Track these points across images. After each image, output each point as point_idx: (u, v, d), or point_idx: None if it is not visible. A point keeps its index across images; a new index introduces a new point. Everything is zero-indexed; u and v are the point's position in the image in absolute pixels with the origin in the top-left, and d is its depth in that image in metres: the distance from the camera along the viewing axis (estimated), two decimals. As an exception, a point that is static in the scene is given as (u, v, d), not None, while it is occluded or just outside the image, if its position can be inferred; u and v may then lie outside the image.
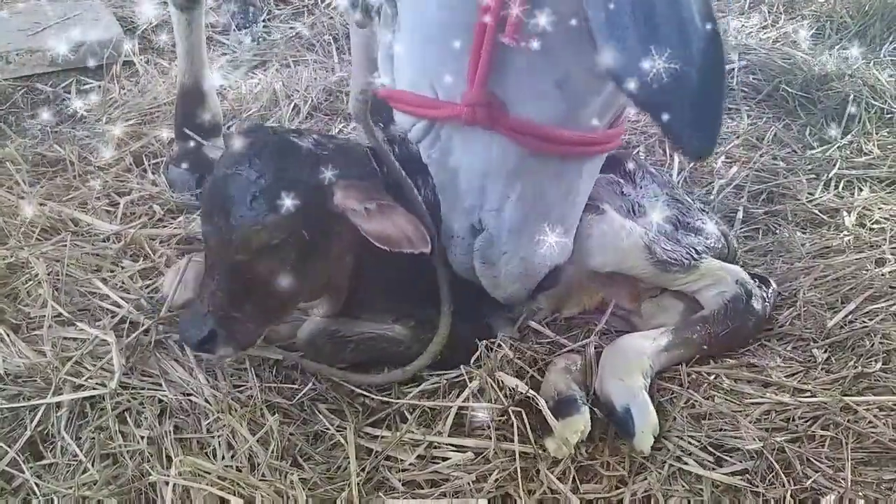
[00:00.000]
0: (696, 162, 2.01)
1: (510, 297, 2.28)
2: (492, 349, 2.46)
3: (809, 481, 2.16)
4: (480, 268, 2.20)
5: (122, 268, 2.82)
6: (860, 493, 2.14)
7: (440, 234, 2.37)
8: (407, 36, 2.05)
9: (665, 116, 1.72)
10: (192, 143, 3.36)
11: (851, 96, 3.89)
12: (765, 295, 2.67)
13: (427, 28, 2.00)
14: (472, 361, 2.45)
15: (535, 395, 2.29)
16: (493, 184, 2.11)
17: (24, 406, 2.31)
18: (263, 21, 4.89)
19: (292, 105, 3.97)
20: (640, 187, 2.75)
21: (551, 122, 1.98)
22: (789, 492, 2.12)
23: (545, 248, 2.18)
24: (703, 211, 2.88)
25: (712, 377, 2.49)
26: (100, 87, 4.10)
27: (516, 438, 2.23)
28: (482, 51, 1.88)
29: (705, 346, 2.53)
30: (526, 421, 2.26)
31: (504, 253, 2.17)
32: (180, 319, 2.27)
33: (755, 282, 2.67)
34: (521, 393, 2.30)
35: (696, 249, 2.63)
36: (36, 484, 2.15)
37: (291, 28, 4.81)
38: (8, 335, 2.49)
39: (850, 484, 2.15)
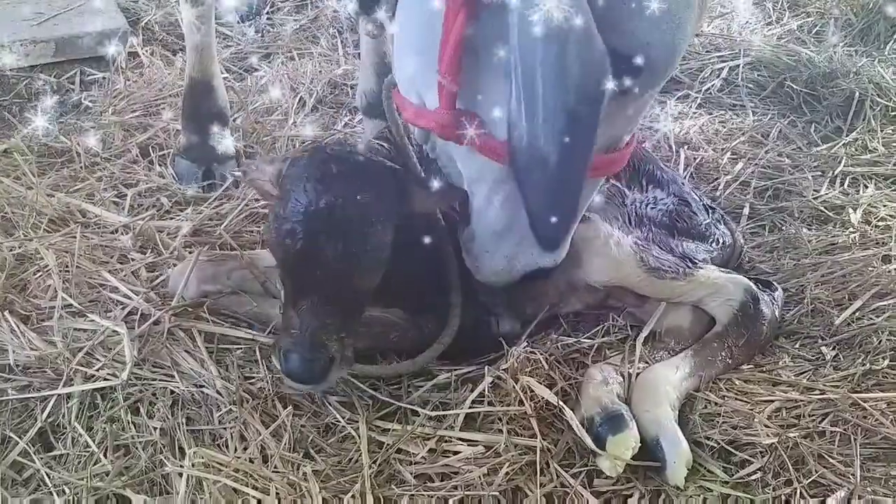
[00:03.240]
0: (543, 248, 2.05)
1: (492, 283, 2.33)
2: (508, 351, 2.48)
3: (816, 475, 2.19)
4: (465, 254, 2.27)
5: (133, 260, 2.82)
6: (869, 489, 2.16)
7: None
8: (399, 46, 2.11)
9: (525, 193, 1.79)
10: (198, 136, 3.37)
11: (857, 94, 3.90)
12: (772, 297, 2.67)
13: (411, 41, 2.05)
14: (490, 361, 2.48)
15: (563, 405, 2.30)
16: (478, 188, 2.13)
17: (34, 397, 2.31)
18: (267, 13, 4.88)
19: (298, 98, 3.96)
20: (646, 191, 2.75)
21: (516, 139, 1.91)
22: (800, 488, 2.13)
23: (531, 250, 2.17)
24: (711, 208, 2.88)
25: (723, 379, 2.50)
26: (104, 78, 4.09)
27: (539, 437, 2.24)
28: (447, 74, 1.89)
29: (729, 360, 2.52)
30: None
31: (486, 252, 2.20)
32: (285, 359, 2.16)
33: (759, 286, 2.66)
34: (553, 405, 2.31)
35: (691, 258, 2.62)
36: (47, 474, 2.15)
37: (296, 20, 4.80)
38: (17, 326, 2.49)
39: (859, 480, 2.17)
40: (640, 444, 2.22)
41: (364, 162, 2.24)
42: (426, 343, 2.54)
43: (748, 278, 2.68)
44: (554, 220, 1.84)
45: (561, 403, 2.30)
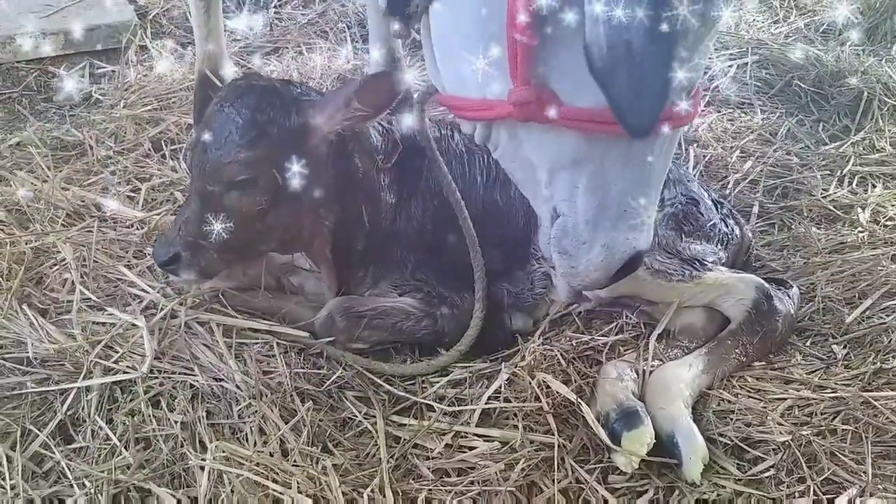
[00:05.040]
0: (634, 137, 1.94)
1: (589, 285, 2.20)
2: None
3: (828, 472, 2.21)
4: (557, 258, 2.12)
5: (148, 254, 2.83)
6: (880, 486, 2.18)
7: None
8: (444, 46, 2.03)
9: (608, 83, 1.67)
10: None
11: (865, 93, 3.92)
12: (787, 294, 2.68)
13: (465, 31, 1.97)
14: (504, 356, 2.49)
15: (580, 402, 2.32)
16: (559, 174, 2.03)
17: (53, 390, 2.33)
18: (275, 7, 4.88)
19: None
20: None
21: (598, 104, 1.83)
22: (813, 486, 2.15)
23: (627, 234, 2.07)
24: (719, 202, 2.88)
25: (736, 377, 2.53)
26: (114, 71, 4.10)
27: (556, 434, 2.27)
28: (517, 49, 1.84)
29: (743, 358, 2.54)
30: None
31: (583, 243, 2.06)
32: (156, 241, 2.42)
33: (772, 285, 2.67)
34: (571, 402, 2.33)
35: (699, 260, 2.63)
36: (67, 466, 2.17)
37: (304, 14, 4.80)
38: (36, 319, 2.50)
39: (870, 477, 2.19)
40: (654, 441, 2.25)
41: (260, 85, 2.39)
42: (439, 332, 2.60)
43: (761, 277, 2.70)
44: (644, 103, 1.72)
45: (577, 399, 2.32)
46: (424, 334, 2.61)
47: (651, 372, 2.46)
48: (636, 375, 2.45)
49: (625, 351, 2.57)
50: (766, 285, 2.64)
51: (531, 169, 2.07)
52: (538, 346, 2.50)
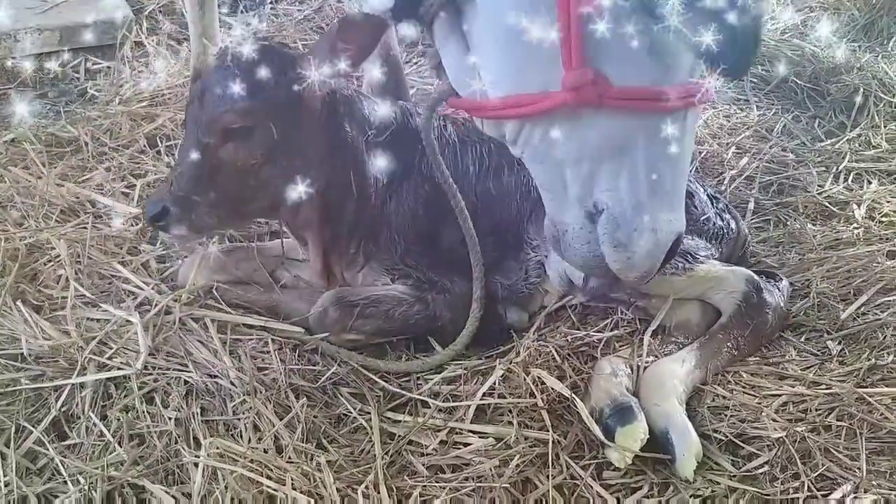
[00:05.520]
0: (731, 80, 1.89)
1: (643, 275, 2.13)
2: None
3: (822, 468, 2.21)
4: (612, 252, 2.05)
5: (143, 250, 2.83)
6: (874, 483, 2.18)
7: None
8: (483, 40, 1.96)
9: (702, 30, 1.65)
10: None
11: (861, 89, 3.92)
12: (777, 287, 2.69)
13: (507, 27, 1.89)
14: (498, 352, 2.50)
15: (574, 397, 2.32)
16: (603, 165, 1.98)
17: (48, 386, 2.32)
18: (271, 3, 4.87)
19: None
20: None
21: (651, 83, 1.86)
22: (807, 482, 2.15)
23: (668, 216, 2.04)
24: (714, 198, 2.87)
25: (730, 373, 2.53)
26: (109, 67, 4.09)
27: (550, 431, 2.27)
28: (571, 31, 1.80)
29: (735, 352, 2.55)
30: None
31: (634, 230, 2.02)
32: (147, 198, 2.43)
33: (763, 278, 2.68)
34: (566, 398, 2.34)
35: (692, 254, 2.64)
36: (61, 463, 2.16)
37: (300, 10, 4.79)
38: (30, 315, 2.50)
39: (864, 473, 2.19)
40: (648, 436, 2.25)
41: (257, 43, 2.43)
42: (432, 316, 2.62)
43: (752, 270, 2.71)
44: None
45: (572, 395, 2.32)
46: (417, 319, 2.63)
47: (645, 368, 2.46)
48: (630, 371, 2.45)
49: (620, 347, 2.57)
50: (757, 278, 2.65)
51: (562, 169, 2.02)
52: (533, 342, 2.50)
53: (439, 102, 2.21)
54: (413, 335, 2.68)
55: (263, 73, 2.35)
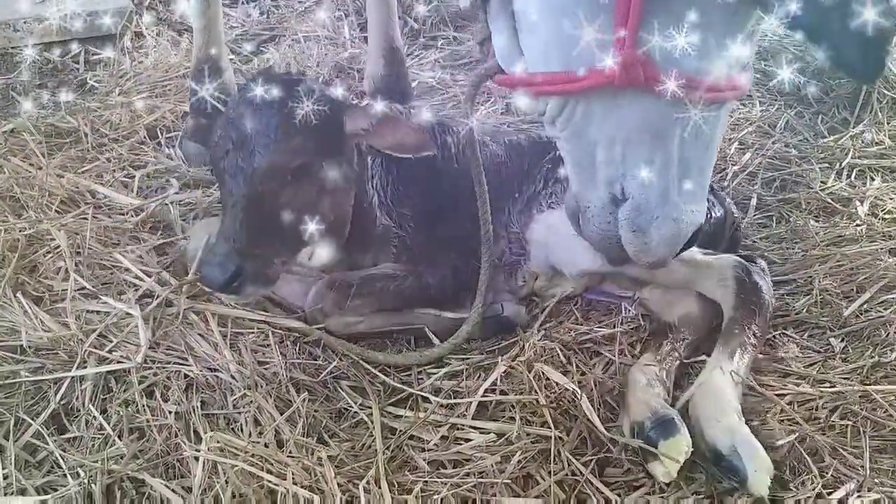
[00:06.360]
0: (865, 84, 1.85)
1: (658, 261, 2.15)
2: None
3: (827, 467, 2.20)
4: (630, 237, 2.08)
5: (144, 241, 2.81)
6: (877, 481, 2.17)
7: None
8: (534, 18, 1.97)
9: (824, 39, 1.62)
10: (206, 118, 3.35)
11: (864, 85, 3.90)
12: (761, 268, 2.67)
13: (560, 6, 1.91)
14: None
15: (577, 389, 2.31)
16: (636, 149, 2.00)
17: (47, 379, 2.31)
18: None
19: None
20: None
21: (695, 71, 1.86)
22: (818, 485, 2.14)
23: (692, 206, 2.06)
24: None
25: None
26: (110, 58, 4.06)
27: (552, 427, 2.26)
28: (630, 10, 1.80)
29: (755, 341, 2.49)
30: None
31: (656, 218, 2.04)
32: (202, 263, 2.28)
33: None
34: (570, 391, 2.33)
35: None
36: (60, 456, 2.15)
37: (301, 2, 4.77)
38: (30, 307, 2.48)
39: (868, 472, 2.18)
40: (692, 448, 2.19)
41: (292, 83, 2.35)
42: (425, 287, 2.65)
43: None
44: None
45: (576, 390, 2.31)
46: (411, 291, 2.64)
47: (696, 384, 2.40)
48: (665, 378, 2.41)
49: (627, 343, 2.55)
50: (743, 262, 2.63)
51: (595, 149, 2.04)
52: (537, 340, 2.49)
53: (485, 78, 2.20)
54: (409, 307, 2.67)
55: (306, 107, 2.27)
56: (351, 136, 2.42)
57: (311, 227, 2.34)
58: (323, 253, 2.52)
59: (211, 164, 2.45)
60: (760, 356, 2.53)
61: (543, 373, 2.35)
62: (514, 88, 2.08)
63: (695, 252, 2.61)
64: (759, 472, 2.12)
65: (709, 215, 2.74)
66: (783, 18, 1.64)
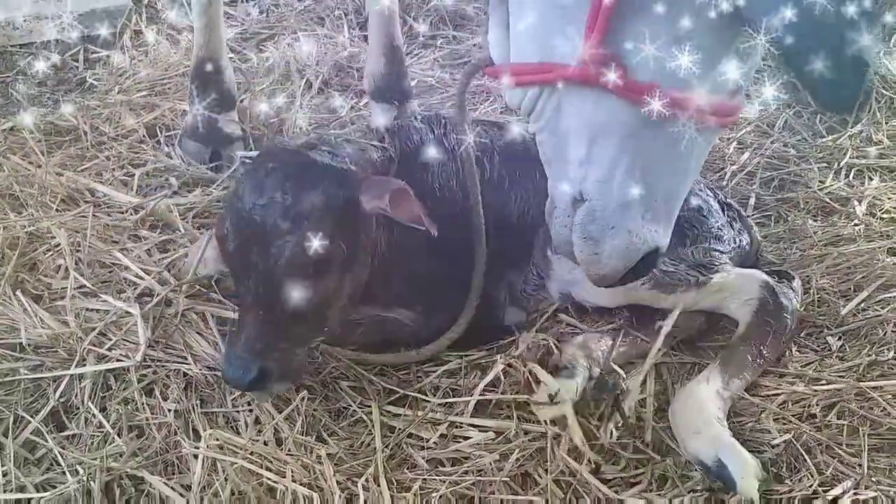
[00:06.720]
0: (833, 115, 1.77)
1: (606, 276, 2.10)
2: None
3: (823, 465, 2.21)
4: (581, 243, 2.04)
5: (144, 239, 2.82)
6: (874, 479, 2.18)
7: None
8: (518, 8, 1.96)
9: (803, 63, 1.57)
10: (206, 115, 3.36)
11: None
12: (792, 287, 2.65)
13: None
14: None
15: (562, 389, 2.30)
16: (602, 150, 1.95)
17: (47, 377, 2.32)
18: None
19: (304, 80, 3.95)
20: None
21: (674, 86, 1.80)
22: (808, 477, 2.16)
23: (652, 226, 2.02)
24: (728, 205, 2.82)
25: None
26: (109, 56, 4.07)
27: (548, 425, 2.27)
28: (600, 6, 1.77)
29: (760, 361, 2.47)
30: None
31: (611, 227, 2.00)
32: (223, 361, 2.17)
33: (775, 278, 2.64)
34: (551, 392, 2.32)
35: (706, 265, 2.57)
36: (59, 454, 2.16)
37: (300, 0, 4.77)
38: (30, 305, 2.49)
39: (865, 470, 2.19)
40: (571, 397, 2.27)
41: (303, 164, 2.19)
42: (434, 336, 2.56)
43: (764, 271, 2.68)
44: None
45: (558, 388, 2.30)
46: (419, 338, 2.57)
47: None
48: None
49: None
50: (771, 282, 2.59)
51: (565, 145, 2.01)
52: (533, 339, 2.50)
53: (477, 69, 2.20)
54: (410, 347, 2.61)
55: (319, 192, 2.12)
56: (369, 215, 2.26)
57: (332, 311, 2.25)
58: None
59: (222, 257, 2.29)
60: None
61: (532, 371, 2.35)
62: (496, 77, 2.08)
63: (728, 271, 2.58)
64: (747, 478, 2.13)
65: (738, 243, 2.73)
66: (771, 36, 1.60)
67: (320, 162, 2.22)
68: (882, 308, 2.72)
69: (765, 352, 2.48)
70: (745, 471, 2.14)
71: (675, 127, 1.85)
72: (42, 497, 2.06)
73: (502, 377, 2.37)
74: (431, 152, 2.49)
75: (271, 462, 2.10)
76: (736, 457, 2.16)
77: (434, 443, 2.26)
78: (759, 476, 2.13)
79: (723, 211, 2.76)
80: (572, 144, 1.99)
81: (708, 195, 2.76)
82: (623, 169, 1.95)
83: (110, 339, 2.40)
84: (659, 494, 2.17)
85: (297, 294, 2.09)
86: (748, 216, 3.01)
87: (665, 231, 2.05)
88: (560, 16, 1.85)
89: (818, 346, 2.63)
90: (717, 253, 2.63)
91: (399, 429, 2.29)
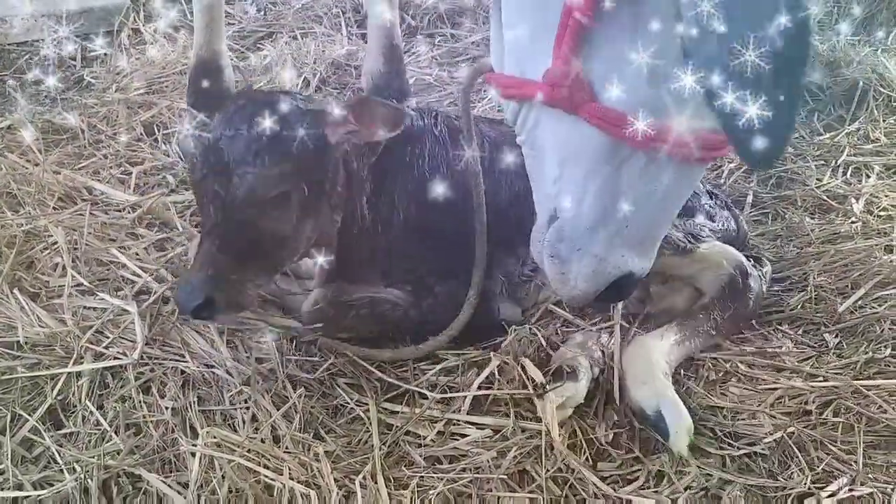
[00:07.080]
0: (756, 169, 1.68)
1: (575, 297, 2.07)
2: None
3: (819, 462, 2.21)
4: (548, 262, 2.03)
5: (142, 237, 2.82)
6: (870, 476, 2.18)
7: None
8: (505, 16, 1.95)
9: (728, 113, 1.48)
10: (204, 115, 3.35)
11: (860, 83, 3.91)
12: (760, 274, 2.70)
13: (519, 6, 1.90)
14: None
15: (548, 386, 2.32)
16: (572, 171, 1.91)
17: (44, 374, 2.32)
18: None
19: (302, 78, 3.95)
20: None
21: (648, 116, 1.72)
22: (803, 473, 2.16)
23: (623, 251, 1.97)
24: (713, 195, 2.88)
25: (728, 364, 2.53)
26: (106, 54, 4.07)
27: (544, 422, 2.27)
28: (567, 28, 1.74)
29: (713, 332, 2.56)
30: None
31: (578, 249, 1.97)
32: (176, 287, 2.25)
33: (751, 262, 2.69)
34: (539, 383, 2.34)
35: (694, 235, 2.64)
36: (57, 452, 2.16)
37: (298, -1, 4.77)
38: (27, 303, 2.49)
39: (861, 467, 2.19)
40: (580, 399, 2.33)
41: (271, 103, 2.26)
42: (427, 321, 2.58)
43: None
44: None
45: (544, 383, 2.32)
46: (411, 323, 2.59)
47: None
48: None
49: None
50: (746, 263, 2.65)
51: (542, 161, 1.98)
52: (526, 334, 2.50)
53: (479, 73, 2.20)
54: (403, 336, 2.63)
55: (287, 131, 2.22)
56: (336, 148, 2.35)
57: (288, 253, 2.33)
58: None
59: (189, 185, 2.38)
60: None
61: (523, 366, 2.36)
62: (491, 85, 2.07)
63: (713, 244, 2.65)
64: (680, 432, 2.25)
65: (725, 227, 2.79)
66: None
67: (290, 102, 2.30)
68: (879, 305, 2.73)
69: (721, 325, 2.57)
70: (680, 426, 2.25)
71: (652, 157, 1.80)
72: (39, 495, 2.05)
73: (497, 374, 2.37)
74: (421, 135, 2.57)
75: (269, 459, 2.10)
76: (675, 412, 2.28)
77: (431, 440, 2.26)
78: (691, 435, 2.25)
79: (711, 198, 2.85)
80: (547, 162, 1.96)
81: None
82: (593, 192, 1.90)
83: (108, 337, 2.39)
84: (655, 491, 2.17)
85: (252, 226, 2.21)
86: (742, 211, 3.03)
87: (641, 257, 2.00)
88: (543, 30, 1.81)
89: (815, 343, 2.63)
90: (707, 229, 2.71)
91: (396, 426, 2.29)
